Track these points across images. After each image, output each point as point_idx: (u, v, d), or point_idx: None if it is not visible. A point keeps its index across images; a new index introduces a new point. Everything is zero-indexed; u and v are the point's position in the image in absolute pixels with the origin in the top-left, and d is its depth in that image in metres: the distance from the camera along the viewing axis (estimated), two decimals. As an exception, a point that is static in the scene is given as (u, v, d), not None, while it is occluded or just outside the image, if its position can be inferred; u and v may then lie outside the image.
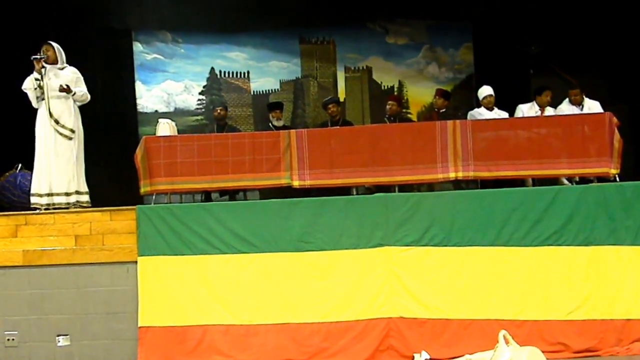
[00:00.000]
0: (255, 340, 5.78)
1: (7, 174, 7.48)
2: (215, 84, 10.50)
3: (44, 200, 6.42)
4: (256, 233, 5.92)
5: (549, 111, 7.52)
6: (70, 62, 6.77)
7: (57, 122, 6.46)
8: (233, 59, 10.52)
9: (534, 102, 7.60)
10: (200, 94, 10.45)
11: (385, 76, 10.75)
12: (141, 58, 10.31)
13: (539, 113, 7.43)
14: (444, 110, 7.98)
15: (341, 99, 10.24)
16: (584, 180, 6.58)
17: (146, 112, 10.25)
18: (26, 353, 5.92)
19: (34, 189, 6.48)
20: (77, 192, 6.53)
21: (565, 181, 6.90)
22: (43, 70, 6.48)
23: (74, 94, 6.57)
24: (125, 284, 5.93)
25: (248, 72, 10.54)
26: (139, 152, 6.26)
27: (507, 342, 4.78)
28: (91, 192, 6.79)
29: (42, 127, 6.50)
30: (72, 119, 6.55)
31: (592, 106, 7.40)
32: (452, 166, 6.21)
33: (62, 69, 6.65)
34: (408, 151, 6.25)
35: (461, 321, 5.73)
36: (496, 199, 5.91)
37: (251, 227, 5.93)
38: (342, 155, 6.28)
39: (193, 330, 5.83)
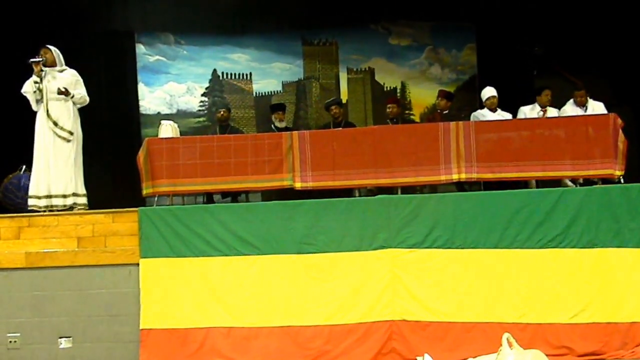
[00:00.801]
0: (257, 343, 5.76)
1: (10, 175, 7.50)
2: (217, 86, 10.50)
3: (42, 202, 6.45)
4: (258, 235, 5.91)
5: (552, 112, 7.50)
6: (72, 64, 6.78)
7: (55, 124, 6.48)
8: (235, 60, 10.52)
9: (536, 103, 7.57)
10: (202, 95, 10.46)
11: (388, 77, 10.74)
12: (144, 60, 10.32)
13: (541, 114, 7.41)
14: (446, 111, 7.96)
15: (343, 101, 10.23)
16: (588, 181, 6.54)
17: (149, 114, 10.26)
18: (28, 355, 5.91)
19: (31, 191, 6.51)
20: (75, 194, 6.54)
21: (569, 183, 6.87)
22: (42, 73, 6.49)
23: (73, 96, 6.58)
24: (127, 286, 5.92)
25: (250, 74, 10.54)
26: (141, 154, 6.25)
27: (510, 346, 4.75)
28: (93, 194, 6.80)
29: (41, 129, 6.52)
30: (71, 121, 6.57)
31: (596, 107, 7.38)
32: (455, 168, 6.19)
33: (62, 71, 6.67)
34: (411, 153, 6.23)
35: (464, 324, 5.70)
36: (499, 200, 5.88)
37: (253, 229, 5.92)
38: (345, 157, 6.26)
39: (195, 332, 5.81)
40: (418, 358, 5.62)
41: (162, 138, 6.66)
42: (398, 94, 10.56)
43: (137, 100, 10.21)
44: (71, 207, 6.48)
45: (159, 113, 10.21)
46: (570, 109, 7.48)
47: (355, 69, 10.76)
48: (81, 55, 6.93)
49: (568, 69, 9.39)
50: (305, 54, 10.68)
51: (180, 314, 5.85)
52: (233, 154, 6.29)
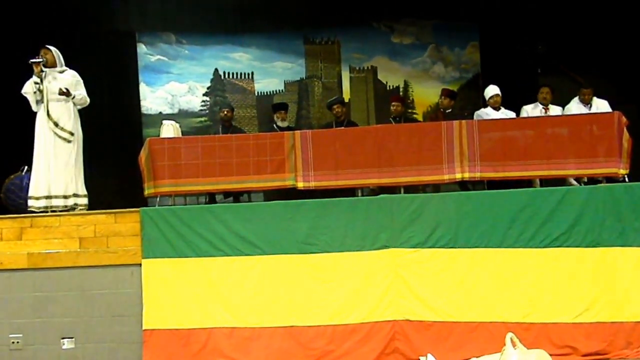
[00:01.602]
0: (259, 343, 5.78)
1: (12, 176, 7.50)
2: (219, 85, 10.52)
3: (41, 203, 6.47)
4: (260, 235, 5.92)
5: (556, 110, 7.51)
6: (73, 64, 6.80)
7: (56, 124, 6.50)
8: (237, 59, 10.53)
9: (538, 103, 7.58)
10: (204, 95, 10.47)
11: (391, 76, 10.75)
12: (145, 60, 10.34)
13: (542, 112, 7.40)
14: (449, 110, 7.96)
15: (346, 100, 10.23)
16: (593, 180, 6.55)
17: (150, 114, 10.28)
18: (31, 356, 5.93)
19: (31, 192, 6.53)
20: (75, 195, 6.56)
21: (574, 182, 6.88)
22: (42, 73, 6.51)
23: (74, 97, 6.60)
24: (129, 286, 5.95)
25: (252, 73, 10.55)
26: (143, 154, 6.27)
27: (514, 345, 4.77)
28: (95, 194, 6.82)
29: (41, 130, 6.54)
30: (71, 122, 6.59)
31: (600, 105, 7.38)
32: (458, 167, 6.19)
33: (62, 72, 6.68)
34: (413, 152, 6.24)
35: (468, 324, 5.71)
36: (503, 200, 5.89)
37: (255, 229, 5.93)
38: (347, 157, 6.28)
39: (197, 333, 5.84)
40: (421, 358, 5.63)
41: (163, 138, 6.68)
42: (401, 93, 10.57)
43: (139, 100, 10.22)
44: (72, 208, 6.50)
45: (160, 113, 10.23)
46: (574, 106, 7.48)
47: (357, 68, 10.77)
48: (82, 55, 6.96)
49: (572, 67, 9.38)
50: (307, 53, 10.69)
51: (182, 315, 5.87)
52: (235, 153, 6.30)
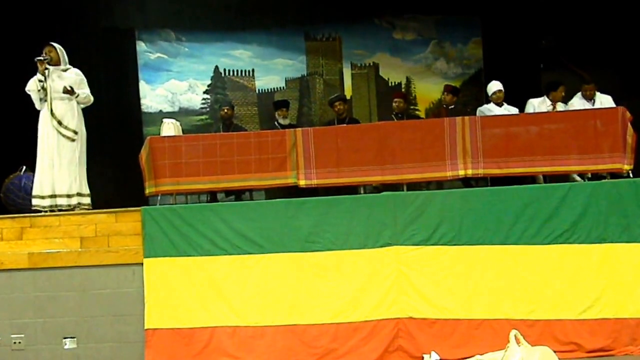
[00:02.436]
0: (262, 342, 5.80)
1: (11, 176, 7.53)
2: (219, 83, 10.52)
3: (46, 202, 6.48)
4: (262, 233, 5.94)
5: (560, 106, 7.49)
6: (73, 62, 6.81)
7: (60, 123, 6.51)
8: (237, 57, 10.53)
9: (545, 97, 7.55)
10: (204, 93, 10.46)
11: (393, 72, 10.74)
12: (145, 57, 10.34)
13: (550, 108, 7.40)
14: (452, 106, 7.96)
15: (348, 97, 10.23)
16: (597, 176, 6.55)
17: (150, 112, 10.28)
18: (33, 356, 5.96)
19: (35, 191, 6.53)
20: (79, 194, 6.56)
21: (577, 178, 6.88)
22: (46, 71, 6.52)
23: (77, 95, 6.61)
24: (131, 286, 5.97)
25: (253, 70, 10.55)
26: (143, 153, 6.29)
27: (518, 342, 4.78)
28: (96, 194, 6.83)
29: (45, 129, 6.54)
30: (75, 120, 6.59)
31: (604, 101, 7.38)
32: (461, 163, 6.20)
33: (66, 70, 6.69)
34: (416, 149, 6.24)
35: (471, 321, 5.74)
36: (506, 196, 5.91)
37: (257, 227, 5.96)
38: (349, 154, 6.28)
39: (200, 332, 5.86)
40: (425, 356, 5.65)
41: (164, 136, 6.69)
42: (403, 89, 10.57)
43: (139, 99, 10.22)
44: (75, 207, 6.51)
45: (160, 111, 10.24)
46: (578, 102, 7.46)
47: (359, 65, 10.77)
48: (81, 53, 6.96)
49: (576, 62, 9.38)
50: (308, 50, 10.69)
51: (185, 314, 5.89)
52: (236, 151, 6.31)
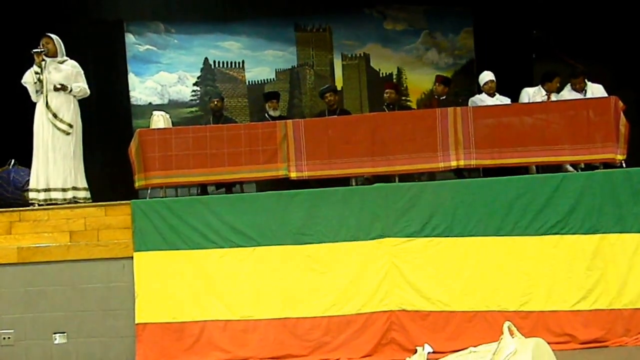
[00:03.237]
0: (254, 336, 5.77)
1: (0, 169, 7.45)
2: (209, 75, 10.47)
3: (42, 196, 6.42)
4: (254, 226, 5.91)
5: (554, 97, 7.46)
6: (61, 54, 6.73)
7: (55, 116, 6.45)
8: (227, 48, 10.48)
9: (540, 87, 7.53)
10: (194, 85, 10.43)
11: (384, 63, 10.73)
12: (134, 49, 10.28)
13: (545, 98, 7.37)
14: (444, 97, 7.93)
15: (338, 88, 10.22)
16: (590, 166, 6.54)
17: (140, 105, 10.23)
18: (23, 351, 5.91)
19: (32, 184, 6.49)
20: (75, 188, 6.50)
21: (570, 168, 6.86)
22: (43, 63, 6.45)
23: (71, 90, 6.53)
24: (121, 280, 5.93)
25: (243, 62, 10.51)
26: (133, 146, 6.23)
27: (512, 334, 4.74)
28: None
29: (40, 121, 6.48)
30: (71, 113, 6.54)
31: (595, 91, 7.35)
32: (453, 154, 6.17)
33: (63, 62, 6.62)
34: (408, 140, 6.21)
35: (464, 313, 5.72)
36: (499, 187, 5.89)
37: (248, 220, 5.92)
38: (341, 145, 6.24)
39: (191, 326, 5.82)
40: (418, 348, 5.59)
41: (154, 129, 6.64)
42: (394, 80, 10.54)
43: (128, 91, 10.18)
44: (71, 202, 6.44)
45: (150, 103, 10.19)
46: (568, 94, 7.42)
47: (350, 55, 10.74)
48: (69, 45, 6.84)
49: (568, 52, 9.36)
50: (298, 41, 10.65)
51: (176, 308, 5.85)
52: (226, 144, 6.27)
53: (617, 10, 9.27)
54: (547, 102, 7.09)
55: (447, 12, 10.64)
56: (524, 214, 5.80)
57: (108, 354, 5.90)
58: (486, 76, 7.69)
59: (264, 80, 10.54)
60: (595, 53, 9.20)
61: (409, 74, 10.72)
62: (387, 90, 8.08)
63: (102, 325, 5.91)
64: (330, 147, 6.24)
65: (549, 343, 4.85)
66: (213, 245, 5.92)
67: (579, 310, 5.68)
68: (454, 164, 6.19)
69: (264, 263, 5.89)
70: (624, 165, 6.12)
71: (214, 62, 10.47)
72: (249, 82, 10.52)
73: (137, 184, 6.26)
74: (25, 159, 6.75)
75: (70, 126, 6.50)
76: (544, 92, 7.44)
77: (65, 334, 5.93)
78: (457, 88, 9.86)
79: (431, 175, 6.83)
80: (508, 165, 6.28)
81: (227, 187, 7.41)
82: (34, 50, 6.43)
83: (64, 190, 6.46)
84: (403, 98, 10.36)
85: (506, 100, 7.51)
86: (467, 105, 7.42)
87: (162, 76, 10.35)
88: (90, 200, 6.57)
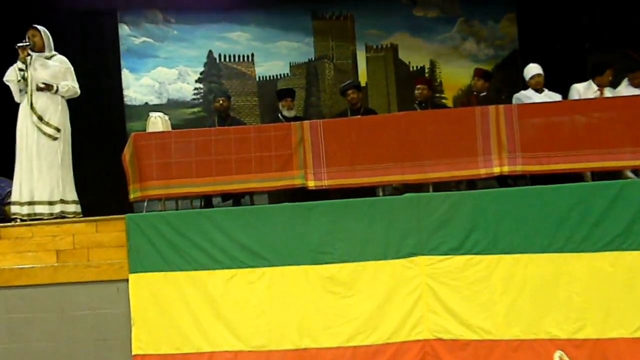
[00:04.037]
0: (268, 369, 5.82)
1: (-24, 182, 7.56)
2: (214, 70, 10.56)
3: (25, 210, 6.48)
4: (266, 243, 5.95)
5: (608, 92, 7.45)
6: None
7: (40, 119, 6.51)
8: (234, 40, 10.57)
9: (591, 82, 7.52)
10: (197, 82, 10.52)
11: (414, 55, 10.76)
12: (128, 42, 10.39)
13: (597, 94, 7.36)
14: (484, 93, 7.97)
15: (362, 84, 10.26)
16: (654, 172, 6.54)
17: (135, 105, 10.33)
18: (4, 387, 6.00)
19: (14, 197, 6.55)
20: (63, 202, 6.58)
21: (630, 174, 6.85)
22: (28, 58, 6.54)
23: (57, 90, 6.62)
24: (115, 305, 5.99)
25: (252, 55, 10.58)
26: (127, 152, 6.30)
27: (564, 366, 4.77)
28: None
29: (24, 125, 6.55)
30: (58, 115, 6.61)
31: (656, 86, 7.34)
32: (496, 159, 6.19)
33: (50, 57, 6.70)
34: (443, 143, 6.24)
35: (509, 342, 5.72)
36: (549, 197, 5.88)
37: (260, 236, 5.96)
38: (365, 150, 6.28)
39: (195, 358, 5.87)
40: (456, 383, 5.64)
41: (151, 133, 6.71)
42: (426, 74, 10.57)
43: (121, 90, 10.27)
44: (59, 217, 6.52)
45: (146, 104, 10.29)
46: (625, 91, 7.41)
47: (375, 47, 10.78)
48: (55, 37, 6.95)
49: (626, 42, 9.33)
50: (315, 30, 10.72)
51: (177, 338, 5.90)
52: (234, 149, 6.33)
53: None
54: (603, 99, 7.08)
55: (487, -4, 10.69)
56: (577, 228, 5.78)
57: (101, 389, 5.98)
58: (532, 69, 7.70)
59: (276, 75, 10.62)
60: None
61: (443, 68, 10.75)
62: (418, 86, 8.12)
63: (95, 357, 5.96)
64: (354, 152, 6.28)
65: (607, 376, 4.88)
66: (219, 265, 5.96)
67: (641, 338, 5.67)
68: (496, 170, 6.20)
69: (278, 286, 5.92)
70: (693, 170, 6.11)
71: (220, 55, 10.55)
72: (259, 78, 10.60)
73: (132, 196, 6.32)
74: (7, 168, 6.83)
75: (58, 130, 6.58)
76: (595, 88, 7.41)
77: (53, 366, 6.00)
78: (499, 83, 9.88)
79: (470, 184, 6.84)
80: (559, 171, 6.27)
81: (235, 198, 7.47)
82: (19, 44, 6.50)
83: (50, 203, 6.52)
84: (437, 95, 10.38)
85: (556, 97, 7.50)
86: (510, 102, 7.44)
87: (160, 72, 10.45)
88: (81, 215, 6.65)
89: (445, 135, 6.27)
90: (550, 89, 7.64)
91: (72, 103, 7.00)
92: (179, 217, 6.12)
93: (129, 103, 10.34)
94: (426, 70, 10.74)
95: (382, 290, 5.87)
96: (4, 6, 8.56)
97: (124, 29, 10.37)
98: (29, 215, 6.47)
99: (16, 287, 6.03)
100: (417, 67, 10.78)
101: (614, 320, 5.70)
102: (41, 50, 6.64)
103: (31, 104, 6.51)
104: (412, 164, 6.25)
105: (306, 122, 6.48)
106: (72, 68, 6.78)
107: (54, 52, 6.72)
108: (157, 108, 9.36)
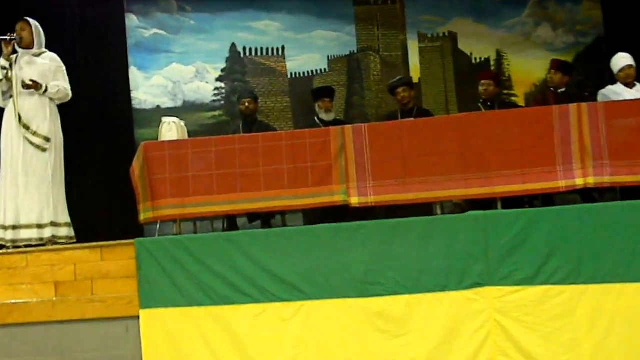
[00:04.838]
0: (305, 422, 5.83)
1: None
2: (238, 66, 10.61)
3: (9, 235, 6.55)
4: (301, 273, 5.97)
5: None
6: (42, 44, 6.93)
7: (27, 127, 6.59)
8: (262, 30, 10.62)
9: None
10: (217, 80, 10.57)
11: (477, 45, 10.75)
12: (137, 35, 10.48)
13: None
14: (563, 89, 7.91)
15: (415, 80, 10.25)
16: None
17: (144, 109, 10.40)
18: None
19: None
20: (54, 224, 6.64)
21: None
22: (14, 56, 6.64)
23: (45, 90, 6.70)
24: (124, 347, 6.04)
25: (283, 48, 10.63)
26: (136, 165, 6.36)
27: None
28: (73, 222, 6.89)
29: (8, 135, 6.66)
30: (47, 123, 6.69)
31: None
32: (578, 169, 6.16)
33: (39, 54, 6.80)
34: (514, 150, 6.22)
35: (598, 389, 5.67)
36: (644, 214, 5.83)
37: (294, 264, 5.98)
38: (419, 159, 6.29)
39: (218, 408, 5.90)
40: None
41: (163, 141, 6.76)
42: (492, 68, 10.52)
43: (129, 91, 10.34)
44: (49, 242, 6.58)
45: (158, 107, 10.36)
46: None
47: (429, 35, 10.78)
48: (53, 31, 7.07)
49: None
50: (358, 17, 10.74)
51: (197, 385, 5.93)
52: (262, 160, 6.37)
53: None
54: None
55: (564, -28, 10.65)
56: (681, 251, 5.72)
57: None
58: (622, 60, 7.65)
59: (312, 71, 10.65)
60: None
61: (512, 59, 10.71)
62: (483, 82, 8.10)
63: (101, 408, 6.04)
64: (405, 162, 6.28)
65: None
66: (246, 299, 5.99)
67: None
68: (579, 182, 6.17)
69: (316, 323, 5.93)
70: None
71: (244, 48, 10.60)
72: (291, 74, 10.64)
73: (142, 217, 6.39)
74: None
75: (47, 140, 6.66)
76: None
77: (53, 419, 6.07)
78: (581, 77, 9.79)
79: (547, 199, 6.78)
80: (655, 183, 6.22)
81: (264, 219, 7.49)
82: (2, 38, 6.60)
83: (39, 226, 6.58)
84: (505, 92, 10.34)
85: (652, 93, 7.45)
86: (595, 100, 7.38)
87: (175, 70, 10.52)
88: (74, 240, 6.68)
89: (516, 140, 6.26)
90: (643, 83, 7.59)
91: (68, 107, 7.08)
92: (198, 242, 6.17)
93: (137, 106, 10.40)
94: (492, 63, 10.71)
95: (442, 328, 5.85)
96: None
97: (131, 20, 10.45)
98: (13, 241, 6.53)
99: (8, 326, 6.10)
100: (480, 58, 10.76)
101: None
102: (29, 46, 6.75)
103: (16, 110, 6.59)
104: (476, 175, 6.24)
105: (348, 127, 6.50)
106: (64, 67, 6.88)
107: (44, 50, 6.82)
108: (170, 112, 9.45)
